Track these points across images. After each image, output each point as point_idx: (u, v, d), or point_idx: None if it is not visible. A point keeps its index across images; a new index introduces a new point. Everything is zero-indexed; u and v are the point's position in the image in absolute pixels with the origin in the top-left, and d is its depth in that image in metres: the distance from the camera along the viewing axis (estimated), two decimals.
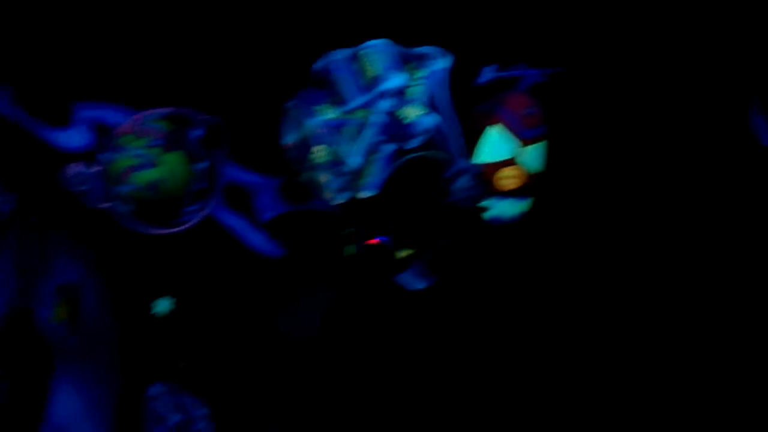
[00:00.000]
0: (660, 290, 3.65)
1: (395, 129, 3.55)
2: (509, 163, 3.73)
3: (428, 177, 3.61)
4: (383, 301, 3.60)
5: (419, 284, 3.63)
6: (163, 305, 3.62)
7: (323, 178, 3.64)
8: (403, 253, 3.63)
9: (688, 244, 3.65)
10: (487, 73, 3.76)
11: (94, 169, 3.54)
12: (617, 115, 3.75)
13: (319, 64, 3.45)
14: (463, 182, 3.58)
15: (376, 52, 3.55)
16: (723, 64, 3.61)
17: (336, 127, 3.58)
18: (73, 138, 3.56)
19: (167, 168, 3.59)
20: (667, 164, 3.74)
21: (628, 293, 3.64)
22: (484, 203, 3.65)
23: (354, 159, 3.59)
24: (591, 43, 3.74)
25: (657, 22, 3.70)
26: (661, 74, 3.72)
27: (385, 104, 3.54)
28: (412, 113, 3.55)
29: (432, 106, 3.44)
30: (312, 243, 3.64)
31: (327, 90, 3.47)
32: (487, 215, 3.70)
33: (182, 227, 3.65)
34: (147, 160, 3.56)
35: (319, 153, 3.62)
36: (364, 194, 3.64)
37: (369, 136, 3.57)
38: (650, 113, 3.76)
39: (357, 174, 3.60)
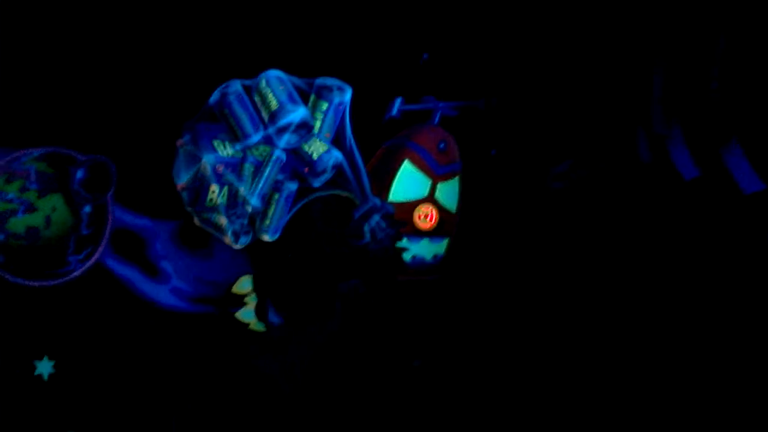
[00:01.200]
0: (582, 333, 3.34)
1: (297, 167, 3.20)
2: (423, 201, 3.41)
3: (336, 218, 3.26)
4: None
5: (331, 328, 3.26)
6: (43, 367, 3.17)
7: (222, 220, 3.26)
8: (312, 298, 3.26)
9: (614, 283, 3.35)
10: (395, 106, 3.45)
11: None
12: (536, 148, 3.46)
13: (213, 96, 3.13)
14: (374, 223, 3.24)
15: (275, 82, 3.22)
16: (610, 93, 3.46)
17: (234, 164, 3.21)
18: None
19: (45, 213, 3.18)
20: (589, 200, 3.47)
21: (552, 342, 3.33)
22: (399, 245, 3.31)
23: (255, 200, 3.23)
24: (507, 74, 3.48)
25: (574, 50, 3.46)
26: (579, 102, 3.47)
27: (285, 140, 3.20)
28: (315, 149, 3.21)
29: (336, 141, 3.06)
30: (221, 295, 3.24)
31: (223, 124, 3.15)
32: (402, 258, 3.36)
33: (65, 278, 3.23)
34: (21, 204, 3.15)
35: (217, 193, 3.25)
36: (267, 237, 3.27)
37: (270, 174, 3.22)
38: (569, 146, 3.49)
39: (258, 216, 3.24)
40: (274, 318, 3.28)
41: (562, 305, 3.43)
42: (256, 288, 3.29)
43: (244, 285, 3.31)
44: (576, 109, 3.48)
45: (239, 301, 3.29)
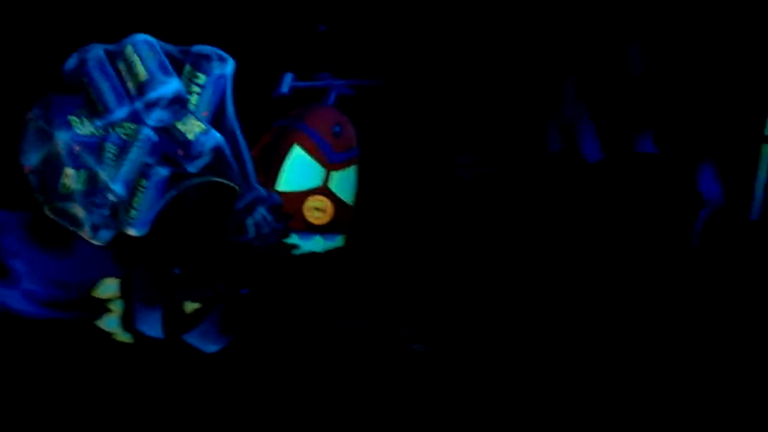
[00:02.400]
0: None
1: (169, 148, 2.70)
2: (315, 192, 2.94)
3: (214, 210, 2.77)
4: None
5: (212, 345, 2.77)
6: None
7: (78, 211, 2.73)
8: (188, 307, 2.76)
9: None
10: (286, 82, 2.98)
11: None
12: (440, 132, 3.05)
13: (70, 62, 2.71)
14: (258, 216, 2.76)
15: (144, 48, 2.71)
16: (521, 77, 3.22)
17: (94, 144, 2.70)
18: None
19: None
20: (496, 190, 3.09)
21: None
22: (286, 241, 2.85)
23: (118, 186, 2.72)
24: (411, 50, 3.05)
25: (485, 26, 3.07)
26: (488, 84, 3.09)
27: (156, 117, 2.70)
28: (191, 129, 2.72)
29: (215, 120, 2.72)
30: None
31: (81, 96, 2.73)
32: (290, 255, 2.89)
33: None
34: None
35: (72, 178, 2.72)
36: (132, 231, 2.75)
37: (136, 157, 2.71)
38: (477, 132, 3.10)
39: (122, 206, 2.73)
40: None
41: (464, 305, 3.02)
42: (123, 292, 2.76)
43: (107, 288, 2.78)
44: (485, 91, 3.08)
45: (102, 306, 2.76)
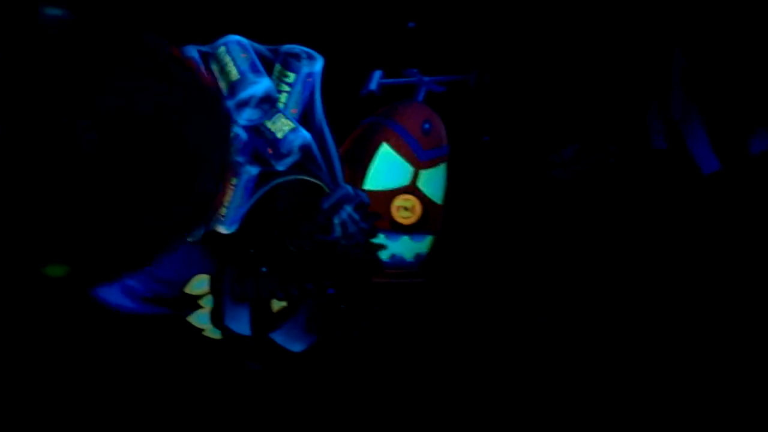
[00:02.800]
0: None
1: (259, 147, 2.68)
2: (403, 191, 2.88)
3: (302, 208, 2.73)
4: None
5: (298, 344, 2.74)
6: None
7: None
8: (276, 306, 2.74)
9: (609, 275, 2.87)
10: (375, 79, 2.91)
11: None
12: (536, 131, 2.93)
13: None
14: (345, 215, 2.72)
15: (236, 49, 2.70)
16: (621, 70, 3.06)
17: None
18: None
19: None
20: (594, 192, 2.95)
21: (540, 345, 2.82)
22: (374, 241, 2.79)
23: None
24: (503, 45, 2.94)
25: (584, 17, 2.93)
26: (585, 80, 2.94)
27: (246, 116, 2.68)
28: (280, 128, 2.69)
29: (303, 118, 2.73)
30: None
31: None
32: (378, 257, 2.83)
33: None
34: None
35: None
36: (222, 229, 2.75)
37: None
38: (573, 131, 2.96)
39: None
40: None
41: (560, 311, 2.91)
42: (213, 289, 2.76)
43: (199, 285, 2.78)
44: (582, 87, 2.94)
45: (194, 303, 2.77)
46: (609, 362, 2.94)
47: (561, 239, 2.83)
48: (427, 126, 2.92)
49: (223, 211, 2.73)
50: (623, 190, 2.87)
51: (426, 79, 2.98)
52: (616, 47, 3.05)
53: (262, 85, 2.69)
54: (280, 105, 2.73)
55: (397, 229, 2.87)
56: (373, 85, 2.96)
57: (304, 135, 2.71)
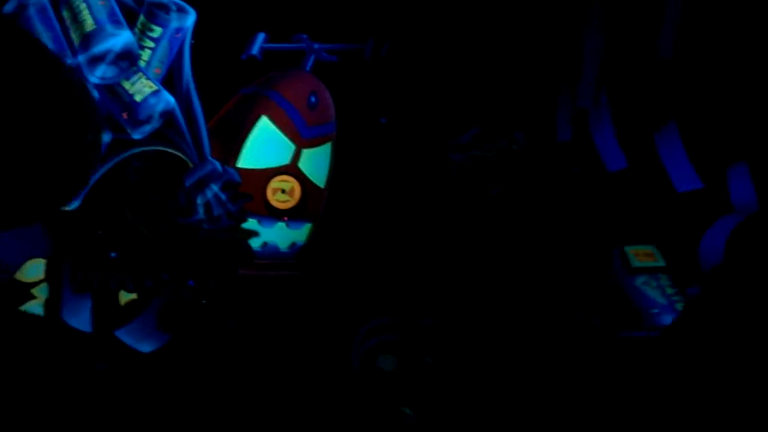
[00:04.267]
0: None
1: (112, 110, 2.24)
2: (282, 171, 2.46)
3: (160, 184, 2.29)
4: None
5: (148, 343, 2.29)
6: None
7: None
8: (124, 298, 2.29)
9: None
10: (257, 43, 2.49)
11: None
12: (435, 111, 2.55)
13: (9, 5, 2.29)
14: (210, 194, 2.29)
15: None
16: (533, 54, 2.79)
17: None
18: None
19: None
20: (493, 178, 2.59)
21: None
22: (244, 227, 2.37)
23: None
24: (404, 14, 2.55)
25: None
26: (491, 59, 2.58)
27: (100, 73, 2.24)
28: (139, 89, 2.26)
29: (168, 80, 2.36)
30: None
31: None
32: (248, 245, 2.40)
33: None
34: None
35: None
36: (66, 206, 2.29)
37: None
38: (475, 112, 2.59)
39: None
40: None
41: (449, 305, 2.52)
42: (49, 276, 2.29)
43: (32, 271, 2.30)
44: (486, 66, 2.57)
45: (26, 291, 2.29)
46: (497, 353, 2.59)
47: (457, 231, 2.45)
48: (313, 99, 2.51)
49: None
50: (525, 180, 2.52)
51: (316, 46, 2.57)
52: (530, 27, 2.71)
53: (121, 38, 2.25)
54: (142, 63, 2.30)
55: (272, 214, 2.45)
56: (254, 49, 2.55)
57: (168, 99, 2.28)
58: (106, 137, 2.28)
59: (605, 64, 2.89)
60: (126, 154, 2.27)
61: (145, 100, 2.26)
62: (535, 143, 2.68)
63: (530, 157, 2.64)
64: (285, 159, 2.47)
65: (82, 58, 2.26)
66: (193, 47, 2.33)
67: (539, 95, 2.80)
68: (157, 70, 2.31)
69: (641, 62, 2.85)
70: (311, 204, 2.48)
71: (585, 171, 2.98)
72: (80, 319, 2.28)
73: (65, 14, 2.30)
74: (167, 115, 2.28)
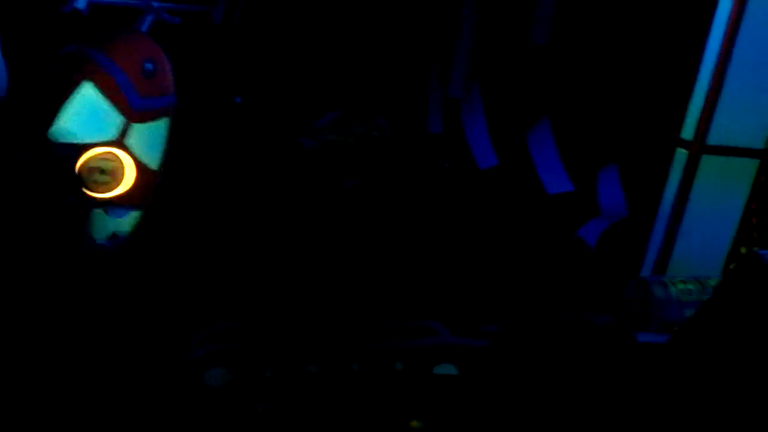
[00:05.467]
0: None
1: None
2: (105, 146, 2.04)
3: None
4: None
5: None
6: None
7: None
8: None
9: None
10: None
11: None
12: (292, 89, 2.19)
13: None
14: (18, 169, 1.86)
15: None
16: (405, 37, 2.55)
17: None
18: None
19: None
20: (347, 171, 2.26)
21: None
22: (65, 210, 1.95)
23: None
24: None
25: None
26: (357, 37, 2.25)
27: None
28: None
29: None
30: None
31: None
32: (67, 234, 1.98)
33: None
34: None
35: None
36: None
37: None
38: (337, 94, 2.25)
39: None
40: None
41: (296, 307, 2.17)
42: None
43: None
44: (354, 44, 2.23)
45: None
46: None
47: (307, 225, 2.10)
48: (149, 66, 2.10)
49: None
50: (388, 173, 2.21)
51: (155, 4, 2.15)
52: (400, 7, 2.40)
53: None
54: None
55: (96, 200, 2.03)
56: (80, 3, 2.10)
57: None
58: None
59: (478, 51, 2.62)
60: None
61: None
62: (401, 132, 2.37)
63: (395, 147, 2.33)
64: (110, 133, 2.05)
65: None
66: None
67: (409, 80, 2.50)
68: None
69: (515, 50, 2.59)
70: (140, 189, 2.07)
71: (456, 167, 2.71)
72: None
73: None
74: None
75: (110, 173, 2.05)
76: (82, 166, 2.00)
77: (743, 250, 3.34)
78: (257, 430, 1.84)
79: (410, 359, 1.99)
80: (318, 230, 2.05)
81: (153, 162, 2.10)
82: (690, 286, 3.01)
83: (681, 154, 3.04)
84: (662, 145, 2.93)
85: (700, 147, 2.99)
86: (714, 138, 3.04)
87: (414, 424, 2.04)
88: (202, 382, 1.85)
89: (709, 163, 3.06)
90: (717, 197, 3.09)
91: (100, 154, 2.00)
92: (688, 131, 3.03)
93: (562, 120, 2.80)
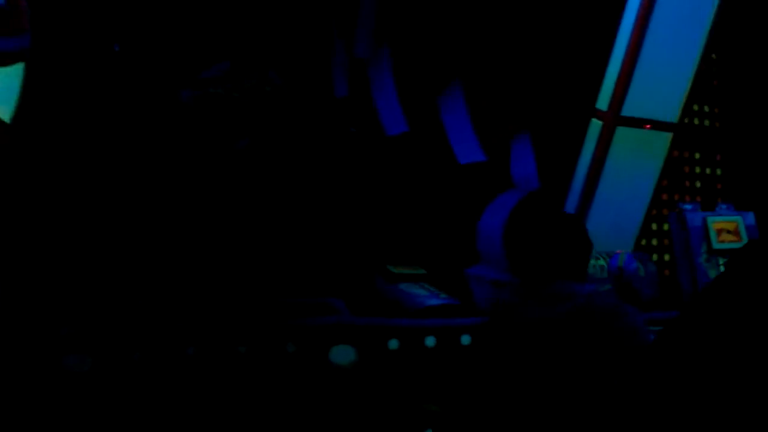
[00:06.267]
0: None
1: None
2: None
3: None
4: None
5: None
6: None
7: None
8: None
9: None
10: None
11: None
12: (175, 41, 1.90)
13: None
14: None
15: None
16: None
17: None
18: None
19: None
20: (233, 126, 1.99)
21: None
22: None
23: None
24: None
25: None
26: None
27: None
28: None
29: None
30: None
31: None
32: None
33: None
34: None
35: None
36: None
37: None
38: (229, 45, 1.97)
39: None
40: None
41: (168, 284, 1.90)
42: None
43: None
44: None
45: None
46: None
47: (189, 190, 1.81)
48: (1, 2, 1.77)
49: None
50: (286, 133, 1.94)
51: None
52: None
53: None
54: None
55: None
56: None
57: None
58: None
59: (385, 6, 2.37)
60: None
61: None
62: (301, 92, 2.11)
63: (294, 107, 2.07)
64: None
65: None
66: None
67: (311, 34, 2.23)
68: None
69: (426, 5, 2.36)
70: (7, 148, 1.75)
71: (362, 132, 2.46)
72: None
73: None
74: None
75: None
76: None
77: (654, 226, 3.23)
78: (119, 415, 1.57)
79: (303, 340, 1.75)
80: (203, 194, 1.77)
81: (3, 112, 1.77)
82: (601, 262, 2.87)
83: (595, 125, 2.90)
84: (577, 115, 2.77)
85: (614, 118, 2.86)
86: (629, 109, 2.90)
87: (430, 407, 1.81)
88: (61, 365, 1.57)
89: (623, 135, 2.92)
90: (631, 171, 2.95)
91: None
92: (603, 101, 2.89)
93: (474, 85, 2.59)
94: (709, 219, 2.61)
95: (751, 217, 2.66)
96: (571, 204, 2.72)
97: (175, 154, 1.81)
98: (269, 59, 1.97)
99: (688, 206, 2.61)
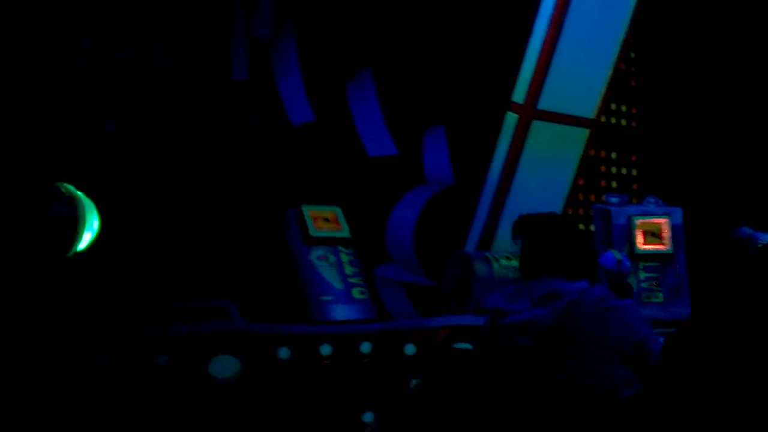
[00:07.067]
0: None
1: None
2: None
3: None
4: None
5: None
6: None
7: None
8: None
9: None
10: None
11: None
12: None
13: None
14: None
15: None
16: None
17: None
18: None
19: None
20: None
21: None
22: None
23: None
24: None
25: None
26: None
27: None
28: None
29: None
30: None
31: None
32: None
33: None
34: None
35: None
36: None
37: None
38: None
39: None
40: None
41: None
42: None
43: None
44: None
45: None
46: None
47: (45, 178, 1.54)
48: None
49: None
50: (167, 117, 1.69)
51: None
52: None
53: None
54: None
55: None
56: None
57: None
58: None
59: None
60: None
61: None
62: (192, 72, 1.86)
63: (183, 89, 1.82)
64: None
65: None
66: None
67: (206, 9, 1.98)
68: None
69: None
70: None
71: (264, 121, 2.23)
72: None
73: None
74: None
75: None
76: None
77: None
78: None
79: (178, 351, 1.50)
80: (61, 180, 1.50)
81: None
82: (514, 263, 2.70)
83: (511, 118, 2.74)
84: (492, 108, 2.60)
85: (531, 111, 2.71)
86: (546, 103, 2.75)
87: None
88: None
89: (539, 129, 2.77)
90: (547, 167, 2.79)
91: None
92: (519, 94, 2.73)
93: (386, 73, 2.39)
94: (635, 219, 2.41)
95: (678, 215, 2.50)
96: (486, 199, 2.55)
97: (30, 134, 1.54)
98: (154, 33, 1.71)
99: (614, 199, 2.45)
